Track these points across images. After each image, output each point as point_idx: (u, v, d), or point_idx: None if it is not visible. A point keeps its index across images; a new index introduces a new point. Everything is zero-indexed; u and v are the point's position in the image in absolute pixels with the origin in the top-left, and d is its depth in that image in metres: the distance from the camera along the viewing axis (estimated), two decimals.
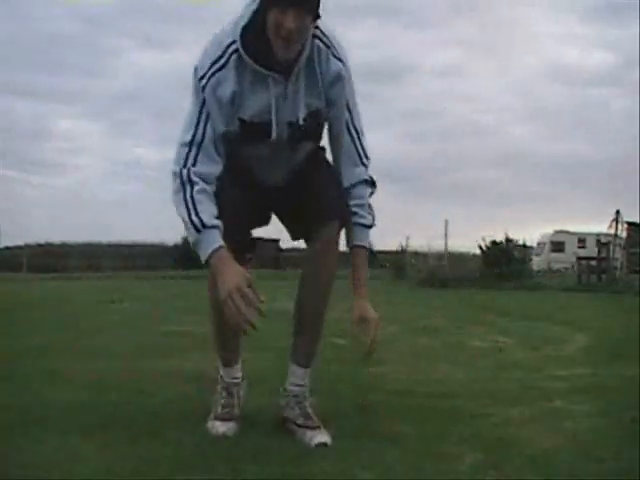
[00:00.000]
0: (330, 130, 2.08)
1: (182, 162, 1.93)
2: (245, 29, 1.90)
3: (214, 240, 1.87)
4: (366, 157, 2.09)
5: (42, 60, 53.84)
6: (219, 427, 2.04)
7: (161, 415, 2.17)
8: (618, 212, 14.47)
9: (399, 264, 17.67)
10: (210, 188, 1.93)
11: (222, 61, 1.91)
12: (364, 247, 2.09)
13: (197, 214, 1.88)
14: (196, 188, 1.90)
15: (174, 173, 1.93)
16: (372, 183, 2.10)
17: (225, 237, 1.89)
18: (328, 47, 1.97)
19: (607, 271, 13.43)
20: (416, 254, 17.68)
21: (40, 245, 34.08)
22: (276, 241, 32.07)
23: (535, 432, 2.06)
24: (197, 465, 1.71)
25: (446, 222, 15.78)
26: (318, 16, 1.90)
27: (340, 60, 1.99)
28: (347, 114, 2.05)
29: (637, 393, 2.58)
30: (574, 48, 60.09)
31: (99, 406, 2.30)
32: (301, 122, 1.98)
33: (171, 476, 1.64)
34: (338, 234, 2.04)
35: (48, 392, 2.51)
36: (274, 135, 1.97)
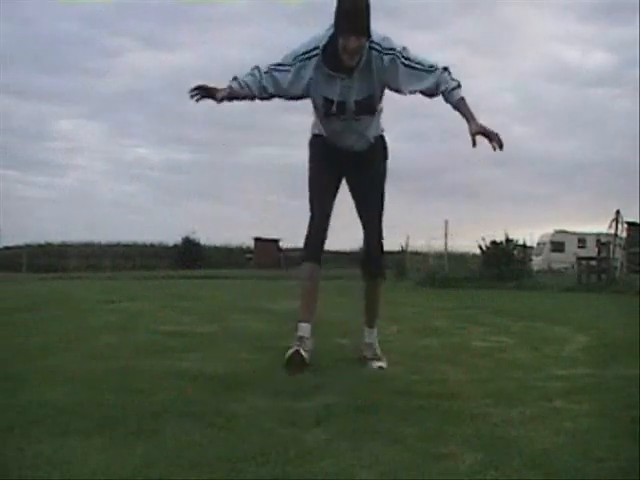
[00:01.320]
0: (398, 77, 2.98)
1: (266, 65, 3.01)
2: (325, 46, 2.95)
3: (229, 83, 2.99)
4: (431, 66, 2.97)
5: (42, 60, 53.57)
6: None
7: (161, 415, 2.17)
8: (618, 212, 14.46)
9: (399, 264, 17.69)
10: (264, 78, 2.99)
11: (309, 54, 2.98)
12: (462, 98, 2.98)
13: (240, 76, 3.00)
14: (262, 71, 2.99)
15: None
16: (445, 69, 2.99)
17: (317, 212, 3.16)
18: (379, 52, 2.95)
19: (607, 271, 13.41)
20: (416, 254, 17.71)
21: (40, 245, 34.11)
22: (276, 241, 32.10)
23: (535, 432, 2.06)
24: (197, 465, 1.70)
25: (446, 222, 15.83)
26: (370, 35, 2.90)
27: (389, 51, 2.95)
28: (402, 67, 2.96)
29: (637, 393, 2.58)
30: (574, 48, 59.96)
31: (99, 406, 2.29)
32: (361, 100, 3.02)
33: (170, 476, 1.64)
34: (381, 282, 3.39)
35: (48, 392, 2.50)
36: (346, 109, 3.04)
